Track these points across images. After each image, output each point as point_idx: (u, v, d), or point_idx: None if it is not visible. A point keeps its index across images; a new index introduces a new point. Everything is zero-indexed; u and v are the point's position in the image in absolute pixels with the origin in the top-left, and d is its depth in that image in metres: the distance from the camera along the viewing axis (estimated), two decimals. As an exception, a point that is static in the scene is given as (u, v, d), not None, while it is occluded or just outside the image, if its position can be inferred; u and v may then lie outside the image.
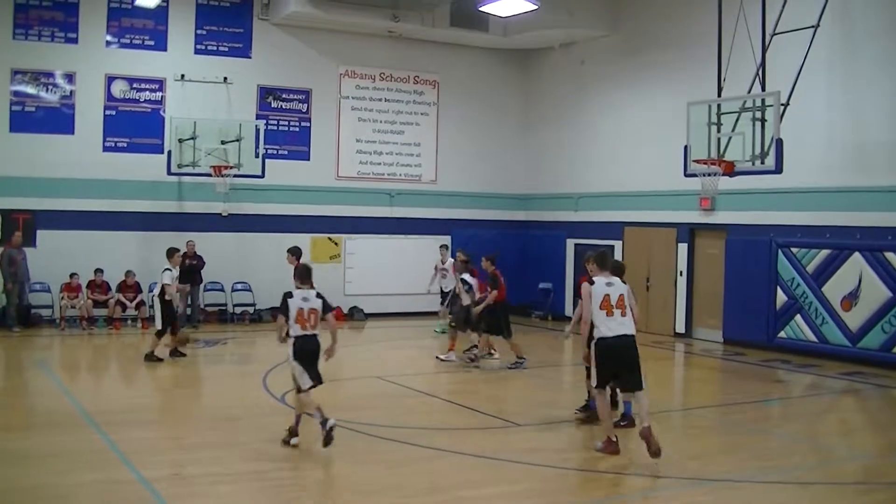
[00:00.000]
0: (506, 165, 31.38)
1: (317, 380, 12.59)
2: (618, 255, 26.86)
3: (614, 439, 12.36)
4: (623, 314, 12.25)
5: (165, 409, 15.14)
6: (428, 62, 30.08)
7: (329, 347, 12.67)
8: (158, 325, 19.31)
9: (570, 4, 27.10)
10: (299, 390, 12.57)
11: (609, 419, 12.61)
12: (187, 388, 17.50)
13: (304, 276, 12.87)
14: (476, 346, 19.64)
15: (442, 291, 25.18)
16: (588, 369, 13.24)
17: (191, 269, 24.71)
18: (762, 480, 11.34)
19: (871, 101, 20.71)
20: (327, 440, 11.97)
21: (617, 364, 12.23)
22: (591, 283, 12.35)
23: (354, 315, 28.11)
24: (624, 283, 12.54)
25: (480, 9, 26.09)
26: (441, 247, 25.88)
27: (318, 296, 12.74)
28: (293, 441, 12.41)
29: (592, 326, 12.37)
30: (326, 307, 12.75)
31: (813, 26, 19.72)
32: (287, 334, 12.56)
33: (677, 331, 25.21)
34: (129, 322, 25.02)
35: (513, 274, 28.95)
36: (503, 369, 19.08)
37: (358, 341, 24.38)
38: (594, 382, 12.53)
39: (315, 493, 10.51)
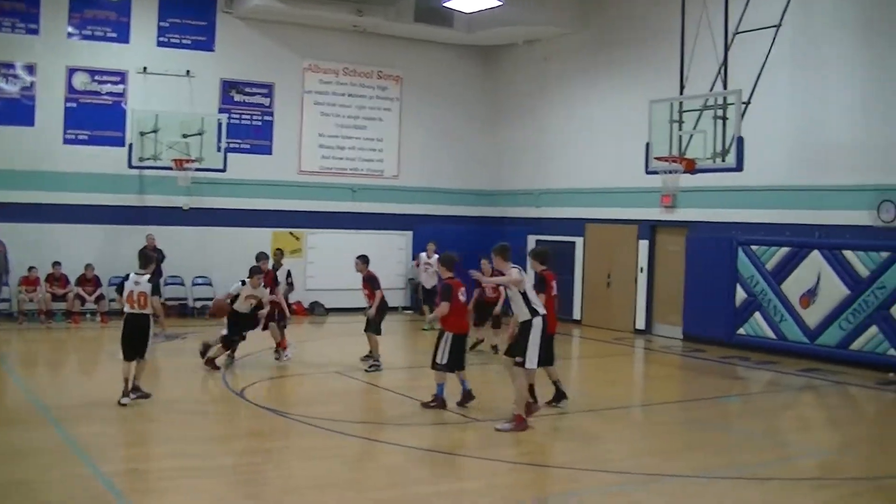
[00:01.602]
0: (468, 161, 31.41)
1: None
2: (579, 252, 27.10)
3: (525, 416, 13.34)
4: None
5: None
6: (392, 57, 30.06)
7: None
8: (225, 331, 18.30)
9: (535, 1, 27.14)
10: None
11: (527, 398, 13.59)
12: (147, 383, 17.39)
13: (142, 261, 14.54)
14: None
15: (423, 288, 25.30)
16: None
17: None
18: (721, 476, 11.43)
19: (831, 100, 20.87)
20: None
21: (548, 339, 13.84)
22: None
23: (315, 310, 28.07)
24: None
25: (445, 4, 26.11)
26: (429, 244, 25.84)
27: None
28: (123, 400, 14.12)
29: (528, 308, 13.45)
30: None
31: (775, 25, 19.82)
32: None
33: (637, 327, 25.32)
34: (88, 316, 24.84)
35: (472, 269, 29.04)
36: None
37: (318, 336, 24.36)
38: (533, 363, 13.39)
39: (274, 487, 10.49)
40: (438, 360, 14.55)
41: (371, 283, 18.59)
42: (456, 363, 14.63)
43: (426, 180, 30.63)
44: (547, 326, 13.64)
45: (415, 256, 27.67)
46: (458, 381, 14.86)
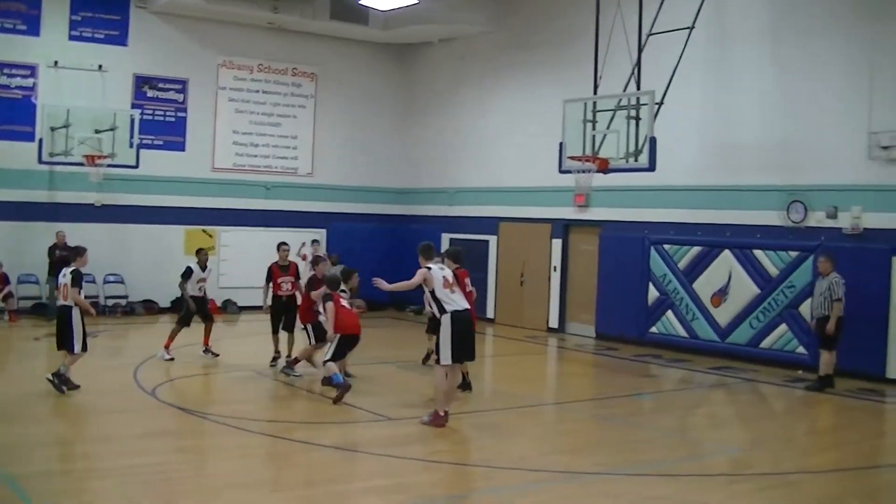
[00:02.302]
0: (383, 159, 31.40)
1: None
2: (493, 251, 27.20)
3: (442, 413, 13.46)
4: (457, 292, 13.79)
5: (35, 403, 14.81)
6: (307, 54, 29.96)
7: None
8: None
9: (451, 0, 27.21)
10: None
11: (450, 394, 13.88)
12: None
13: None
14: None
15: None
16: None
17: (61, 261, 24.29)
18: (633, 473, 11.54)
19: (742, 102, 21.17)
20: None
21: (467, 334, 13.59)
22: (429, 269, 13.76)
23: (228, 308, 27.86)
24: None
25: (361, 2, 26.09)
26: (314, 241, 25.64)
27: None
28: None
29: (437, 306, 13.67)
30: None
31: (688, 28, 20.06)
32: None
33: (551, 326, 25.47)
34: (-4, 314, 24.48)
35: (388, 268, 29.03)
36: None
37: (232, 334, 24.18)
38: (447, 359, 13.44)
39: (187, 487, 10.40)
40: (326, 358, 15.34)
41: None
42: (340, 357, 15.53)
43: (341, 178, 30.57)
44: (457, 323, 13.46)
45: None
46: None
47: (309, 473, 11.26)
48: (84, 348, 15.15)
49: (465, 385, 15.96)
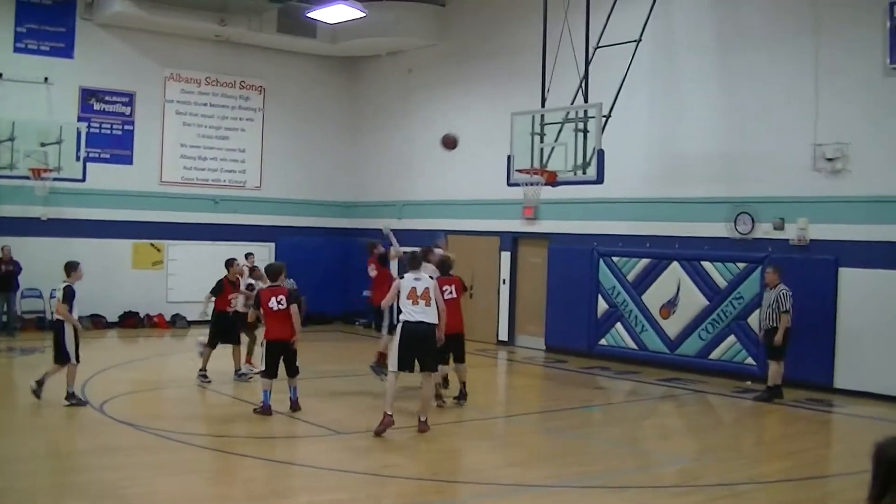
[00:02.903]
0: (331, 173, 31.35)
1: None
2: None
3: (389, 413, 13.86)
4: (427, 304, 14.06)
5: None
6: (255, 67, 29.86)
7: None
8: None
9: (398, 12, 27.24)
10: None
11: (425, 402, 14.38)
12: (3, 398, 17.03)
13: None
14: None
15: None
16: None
17: (6, 276, 24.06)
18: (582, 485, 11.56)
19: (689, 114, 21.31)
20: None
21: (416, 346, 14.00)
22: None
23: (177, 322, 27.69)
24: (432, 278, 14.56)
25: (308, 15, 26.02)
26: (247, 255, 23.67)
27: None
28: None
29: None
30: None
31: (635, 41, 20.15)
32: None
33: (500, 338, 25.49)
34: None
35: (336, 281, 28.99)
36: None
37: (179, 349, 24.01)
38: (393, 366, 14.20)
39: (134, 503, 10.31)
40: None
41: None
42: (270, 371, 15.21)
43: (289, 191, 30.48)
44: (405, 333, 14.04)
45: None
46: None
47: (257, 488, 11.19)
48: (77, 359, 15.39)
49: (461, 395, 16.47)
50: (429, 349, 14.19)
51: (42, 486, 10.75)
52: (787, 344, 17.67)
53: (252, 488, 11.24)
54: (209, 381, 17.97)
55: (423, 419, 14.16)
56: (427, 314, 14.10)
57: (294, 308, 15.24)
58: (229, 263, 18.99)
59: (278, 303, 15.17)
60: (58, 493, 10.50)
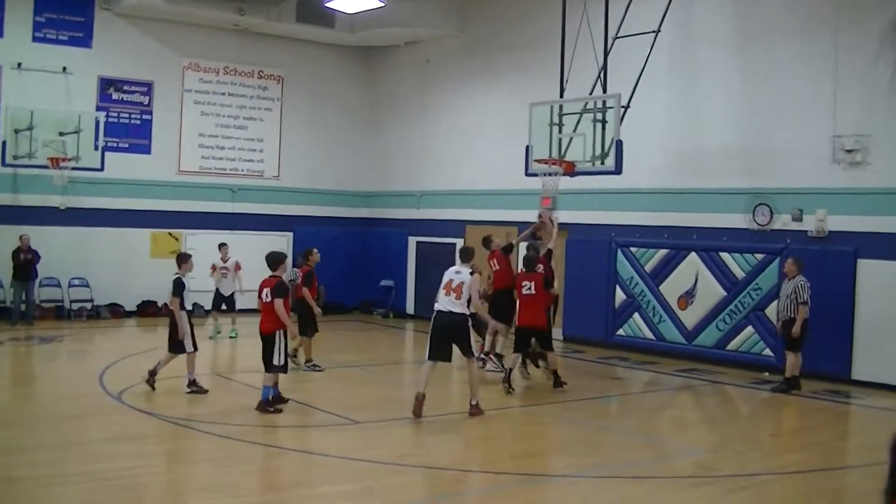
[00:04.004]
0: (349, 162, 31.36)
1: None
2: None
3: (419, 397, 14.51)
4: (458, 298, 14.58)
5: (-2, 408, 14.76)
6: (273, 57, 29.88)
7: None
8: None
9: (417, 3, 27.21)
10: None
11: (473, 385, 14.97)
12: (21, 388, 17.09)
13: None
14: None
15: (220, 295, 23.39)
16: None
17: (25, 264, 24.12)
18: (600, 475, 11.56)
19: (707, 105, 21.25)
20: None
21: (447, 335, 14.67)
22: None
23: (195, 311, 27.69)
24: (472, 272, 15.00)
25: (326, 5, 26.03)
26: (220, 245, 23.91)
27: None
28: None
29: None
30: None
31: (654, 31, 20.10)
32: None
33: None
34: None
35: (354, 271, 28.99)
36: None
37: (198, 337, 23.98)
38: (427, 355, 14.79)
39: (152, 492, 10.34)
40: (276, 363, 14.55)
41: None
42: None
43: (307, 181, 30.50)
44: (433, 323, 14.77)
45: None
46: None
47: (275, 477, 11.22)
48: (194, 347, 16.00)
49: (557, 383, 17.29)
50: (462, 337, 14.73)
51: (60, 475, 10.76)
52: (805, 335, 17.62)
53: (269, 477, 11.27)
54: (321, 369, 18.35)
55: (473, 403, 14.80)
56: (456, 305, 14.62)
57: (279, 303, 14.36)
58: (308, 253, 19.12)
59: (266, 294, 14.63)
60: (75, 483, 10.51)
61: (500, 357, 18.80)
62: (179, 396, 15.62)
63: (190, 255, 16.55)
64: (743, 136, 20.56)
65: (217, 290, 23.26)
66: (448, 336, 14.68)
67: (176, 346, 15.88)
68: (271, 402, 14.40)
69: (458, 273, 14.89)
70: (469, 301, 14.73)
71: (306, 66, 30.55)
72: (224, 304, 23.20)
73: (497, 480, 11.35)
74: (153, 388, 15.60)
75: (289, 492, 10.54)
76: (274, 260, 15.21)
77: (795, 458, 13.05)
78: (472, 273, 15.00)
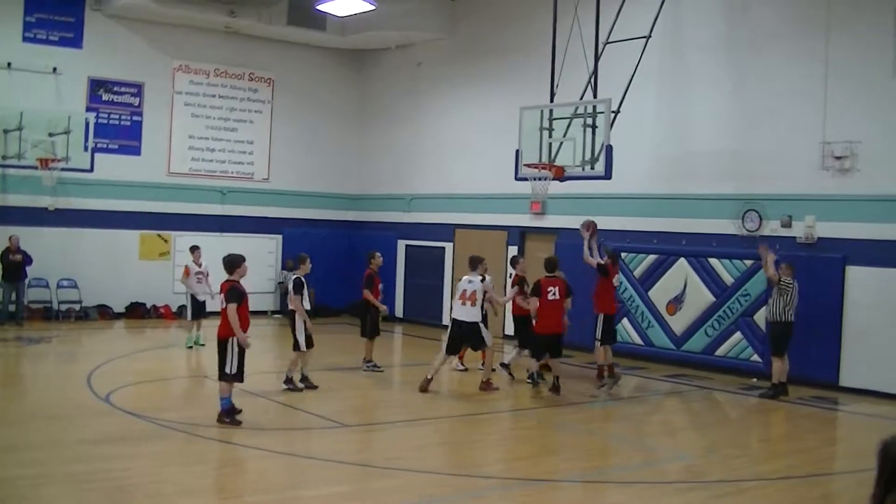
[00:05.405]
0: (339, 165, 31.38)
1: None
2: (448, 257, 27.20)
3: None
4: (472, 305, 17.01)
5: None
6: (264, 60, 29.87)
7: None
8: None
9: (407, 6, 27.23)
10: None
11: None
12: (8, 388, 17.05)
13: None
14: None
15: (195, 300, 21.86)
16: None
17: (15, 265, 24.08)
18: (588, 480, 11.58)
19: (697, 111, 21.31)
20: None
21: (463, 338, 17.33)
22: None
23: (183, 313, 27.66)
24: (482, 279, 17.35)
25: (318, 8, 26.02)
26: (193, 248, 22.60)
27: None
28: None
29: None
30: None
31: (645, 37, 20.16)
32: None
33: (506, 333, 25.43)
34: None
35: (343, 274, 28.94)
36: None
37: (177, 346, 24.01)
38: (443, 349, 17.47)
39: (140, 494, 10.31)
40: (227, 370, 13.74)
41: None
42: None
43: (297, 184, 30.50)
44: (451, 326, 17.46)
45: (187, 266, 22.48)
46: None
47: (262, 480, 11.19)
48: (308, 345, 16.55)
49: (555, 388, 17.54)
50: (475, 338, 17.20)
51: (48, 476, 10.74)
52: (788, 340, 17.75)
53: (257, 480, 11.24)
54: (381, 370, 19.24)
55: (484, 380, 17.45)
56: (470, 314, 17.02)
57: (231, 308, 13.46)
58: (371, 256, 19.46)
59: (221, 300, 13.87)
60: (63, 483, 10.49)
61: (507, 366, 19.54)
62: (168, 398, 15.61)
63: (308, 256, 17.17)
64: (732, 142, 20.61)
65: (192, 296, 21.83)
66: (466, 338, 17.33)
67: (296, 344, 16.61)
68: (230, 413, 13.76)
69: (470, 282, 17.16)
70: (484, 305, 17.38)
71: (297, 68, 30.55)
72: (197, 309, 21.88)
73: (485, 484, 11.35)
74: (301, 390, 16.44)
75: (276, 494, 10.51)
76: (229, 263, 14.08)
77: (783, 463, 13.08)
78: (482, 280, 17.26)
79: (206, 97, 29.01)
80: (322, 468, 11.78)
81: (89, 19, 26.79)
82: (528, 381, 17.87)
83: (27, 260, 24.40)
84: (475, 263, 17.66)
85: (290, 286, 16.76)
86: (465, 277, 17.46)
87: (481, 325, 17.31)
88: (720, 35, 21.08)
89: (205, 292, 21.40)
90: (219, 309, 13.95)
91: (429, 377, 16.78)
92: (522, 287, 19.00)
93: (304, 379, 16.66)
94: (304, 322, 16.45)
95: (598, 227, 19.46)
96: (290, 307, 16.81)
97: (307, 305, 16.62)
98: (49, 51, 26.19)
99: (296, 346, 16.50)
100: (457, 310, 17.22)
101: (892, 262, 18.00)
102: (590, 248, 18.77)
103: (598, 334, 18.17)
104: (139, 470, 11.26)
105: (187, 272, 21.81)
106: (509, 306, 20.28)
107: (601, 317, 18.31)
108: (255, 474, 11.55)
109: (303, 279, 16.63)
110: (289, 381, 16.44)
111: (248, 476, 11.53)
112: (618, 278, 20.16)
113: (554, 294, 17.36)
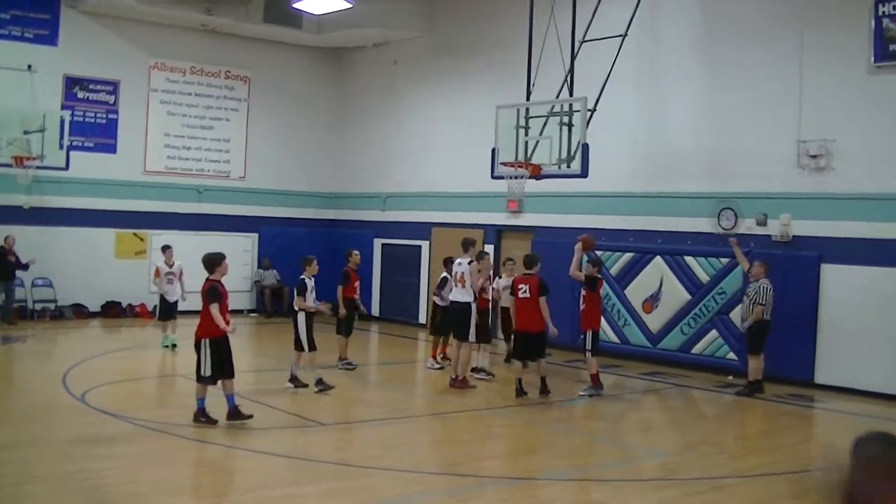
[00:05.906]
0: (315, 164, 31.35)
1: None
2: (425, 256, 27.18)
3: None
4: (463, 286, 17.60)
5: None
6: (240, 58, 29.80)
7: None
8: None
9: (384, 4, 27.22)
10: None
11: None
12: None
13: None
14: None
15: (165, 301, 21.59)
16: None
17: (9, 265, 23.93)
18: (564, 478, 11.60)
19: (674, 109, 21.37)
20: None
21: (451, 319, 17.98)
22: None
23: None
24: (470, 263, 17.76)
25: (294, 6, 26.00)
26: (164, 248, 22.29)
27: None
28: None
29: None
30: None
31: (621, 35, 20.20)
32: None
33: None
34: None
35: (320, 273, 28.90)
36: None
37: (153, 347, 23.94)
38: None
39: (117, 493, 10.28)
40: (201, 372, 13.57)
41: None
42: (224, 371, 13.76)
43: (273, 182, 30.45)
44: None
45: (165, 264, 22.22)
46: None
47: (239, 479, 11.20)
48: (310, 347, 16.53)
49: (544, 390, 17.28)
50: (459, 322, 17.51)
51: (25, 475, 10.70)
52: (764, 338, 17.85)
53: (234, 479, 11.25)
54: (353, 367, 19.31)
55: (453, 377, 17.51)
56: (461, 294, 17.66)
57: (213, 308, 13.32)
58: (349, 254, 19.75)
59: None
60: (40, 483, 10.45)
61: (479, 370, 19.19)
62: (144, 397, 15.57)
63: (314, 258, 17.18)
64: (708, 140, 20.67)
65: (162, 296, 21.62)
66: (452, 320, 17.83)
67: (299, 344, 16.69)
68: (204, 413, 13.62)
69: (459, 265, 17.80)
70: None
71: (273, 66, 30.49)
72: (167, 310, 21.53)
73: (461, 483, 11.36)
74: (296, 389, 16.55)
75: (254, 493, 10.49)
76: (209, 261, 13.85)
77: (760, 460, 13.13)
78: (470, 263, 17.67)
79: (183, 95, 28.93)
80: (300, 467, 11.77)
81: (65, 16, 26.65)
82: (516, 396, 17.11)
83: (19, 262, 24.26)
84: (467, 246, 18.13)
85: (295, 287, 16.97)
86: (457, 259, 18.12)
87: (472, 312, 17.67)
88: (696, 33, 21.14)
89: (175, 293, 21.26)
90: (190, 309, 13.97)
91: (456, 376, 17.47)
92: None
93: (293, 378, 16.67)
94: (308, 322, 16.66)
95: (580, 226, 19.52)
96: (296, 307, 16.85)
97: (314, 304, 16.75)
98: (24, 48, 26.04)
99: (298, 346, 16.58)
100: (453, 292, 17.96)
101: (866, 260, 18.07)
102: (579, 262, 18.56)
103: (589, 345, 17.96)
104: (116, 470, 11.23)
105: (157, 273, 21.70)
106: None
107: (590, 333, 17.97)
108: (232, 474, 11.55)
109: (305, 280, 16.68)
110: (294, 378, 16.60)
111: (226, 475, 11.52)
112: (604, 289, 20.06)
113: (524, 292, 17.18)
